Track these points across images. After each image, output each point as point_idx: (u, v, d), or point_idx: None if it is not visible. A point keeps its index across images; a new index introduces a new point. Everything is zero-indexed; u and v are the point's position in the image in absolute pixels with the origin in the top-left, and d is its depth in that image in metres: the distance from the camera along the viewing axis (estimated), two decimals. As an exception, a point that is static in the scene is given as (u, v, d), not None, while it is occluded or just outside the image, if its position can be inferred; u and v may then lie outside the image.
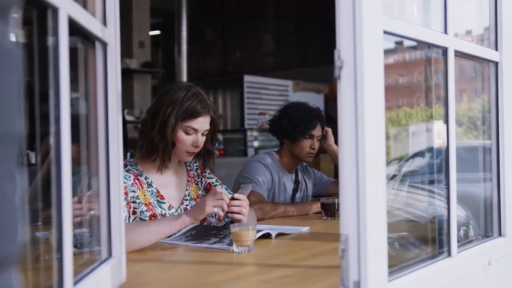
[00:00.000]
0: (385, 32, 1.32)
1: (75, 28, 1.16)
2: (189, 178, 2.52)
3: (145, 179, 2.36)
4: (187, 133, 2.34)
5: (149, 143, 2.34)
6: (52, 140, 1.05)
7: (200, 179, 2.57)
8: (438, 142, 1.93)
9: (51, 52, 1.06)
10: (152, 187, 2.36)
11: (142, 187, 2.32)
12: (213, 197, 2.16)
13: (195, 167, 2.58)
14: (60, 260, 1.04)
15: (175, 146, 2.35)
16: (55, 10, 1.04)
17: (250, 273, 1.78)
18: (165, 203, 2.37)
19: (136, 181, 2.30)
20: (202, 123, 2.36)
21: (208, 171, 2.59)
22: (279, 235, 2.30)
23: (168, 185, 2.43)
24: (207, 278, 1.68)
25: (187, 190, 2.49)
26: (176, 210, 2.40)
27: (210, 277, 1.69)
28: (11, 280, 0.60)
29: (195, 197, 2.50)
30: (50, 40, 1.06)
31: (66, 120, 1.06)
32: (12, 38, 0.61)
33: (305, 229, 2.48)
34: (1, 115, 0.57)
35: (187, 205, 2.45)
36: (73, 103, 1.14)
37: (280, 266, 1.81)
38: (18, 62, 0.60)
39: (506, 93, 1.92)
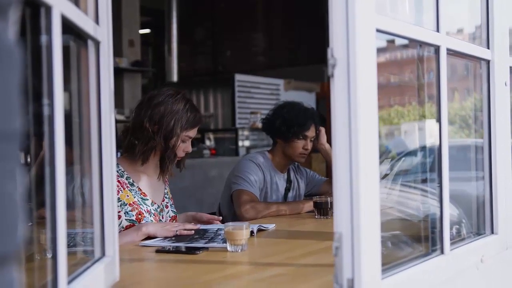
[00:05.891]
0: (378, 31, 1.32)
1: (67, 27, 1.15)
2: (166, 179, 2.64)
3: (127, 179, 2.43)
4: (183, 141, 2.46)
5: (150, 151, 2.41)
6: (45, 139, 1.05)
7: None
8: (430, 140, 1.94)
9: (44, 51, 1.06)
10: (134, 186, 2.44)
11: (124, 188, 2.39)
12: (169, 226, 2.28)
13: None
14: (54, 259, 1.04)
15: None
16: (48, 8, 1.03)
17: (243, 272, 1.78)
18: (148, 199, 2.47)
19: (117, 183, 2.33)
20: (196, 131, 2.52)
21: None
22: (259, 231, 2.36)
23: (149, 184, 2.52)
24: (201, 277, 1.68)
25: (165, 189, 2.62)
26: (159, 206, 2.51)
27: (204, 276, 1.69)
28: (12, 277, 0.60)
29: (171, 197, 2.66)
30: (43, 39, 1.06)
31: (59, 119, 1.06)
32: (12, 36, 0.61)
33: (271, 226, 2.52)
34: (2, 113, 0.58)
35: (167, 203, 2.59)
36: (65, 102, 1.13)
37: (274, 265, 1.81)
38: (18, 60, 0.61)
39: (498, 91, 1.93)
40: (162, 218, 2.51)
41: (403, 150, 2.19)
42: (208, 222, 2.57)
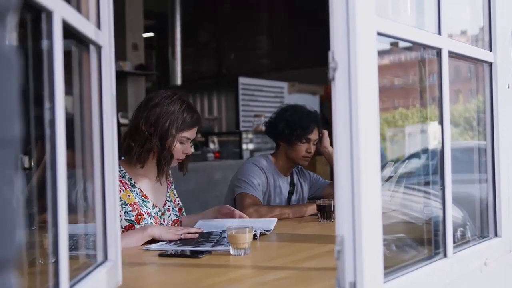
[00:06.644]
0: (379, 34, 1.32)
1: (69, 31, 1.16)
2: (168, 182, 2.64)
3: (128, 180, 2.44)
4: (181, 142, 2.45)
5: (146, 152, 2.41)
6: (47, 144, 1.05)
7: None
8: (434, 143, 1.94)
9: (45, 55, 1.06)
10: (136, 187, 2.44)
11: (125, 188, 2.40)
12: (172, 230, 2.28)
13: (170, 173, 2.69)
14: (56, 263, 1.04)
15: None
16: (49, 14, 1.04)
17: (246, 276, 1.78)
18: (149, 202, 2.46)
19: (119, 182, 2.34)
20: (195, 133, 2.50)
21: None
22: (262, 234, 2.36)
23: (151, 187, 2.51)
24: (204, 281, 1.67)
25: (168, 192, 2.60)
26: (160, 209, 2.51)
27: (207, 280, 1.68)
28: (10, 282, 0.60)
29: (173, 200, 2.63)
30: (44, 43, 1.06)
31: (61, 123, 1.06)
32: (10, 42, 0.61)
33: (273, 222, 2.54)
34: (1, 119, 0.58)
35: (169, 206, 2.58)
36: (67, 106, 1.14)
37: (277, 268, 1.81)
38: (16, 65, 0.61)
39: (500, 94, 1.92)
40: (164, 221, 2.50)
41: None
42: (232, 215, 2.60)
